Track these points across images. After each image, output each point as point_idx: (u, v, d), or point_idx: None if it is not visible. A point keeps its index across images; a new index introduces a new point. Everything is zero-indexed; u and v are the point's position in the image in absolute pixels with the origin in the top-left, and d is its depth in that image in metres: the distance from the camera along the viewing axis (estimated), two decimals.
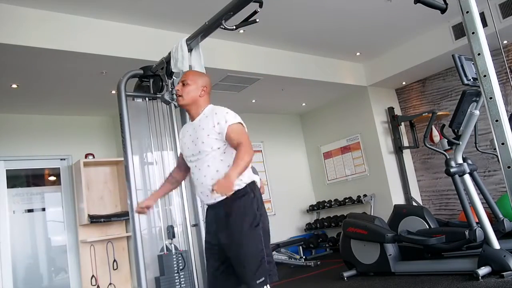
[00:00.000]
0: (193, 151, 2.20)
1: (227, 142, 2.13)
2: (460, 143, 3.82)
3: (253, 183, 2.18)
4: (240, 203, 2.10)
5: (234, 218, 2.09)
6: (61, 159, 5.81)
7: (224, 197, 2.05)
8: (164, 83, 3.22)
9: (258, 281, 2.01)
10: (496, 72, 1.58)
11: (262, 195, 2.27)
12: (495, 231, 3.64)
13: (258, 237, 2.08)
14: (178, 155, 2.47)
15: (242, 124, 2.18)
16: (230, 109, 2.23)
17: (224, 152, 2.15)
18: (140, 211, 2.37)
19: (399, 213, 4.71)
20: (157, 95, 3.32)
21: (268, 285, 2.05)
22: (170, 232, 3.20)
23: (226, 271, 2.15)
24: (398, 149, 6.85)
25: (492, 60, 1.60)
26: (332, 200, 7.38)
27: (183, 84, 2.24)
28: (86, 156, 5.71)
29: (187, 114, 3.29)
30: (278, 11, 4.58)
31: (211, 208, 2.21)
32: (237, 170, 1.95)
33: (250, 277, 2.01)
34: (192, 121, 2.28)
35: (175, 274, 3.10)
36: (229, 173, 1.93)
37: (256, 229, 2.09)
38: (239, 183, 2.09)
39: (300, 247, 6.55)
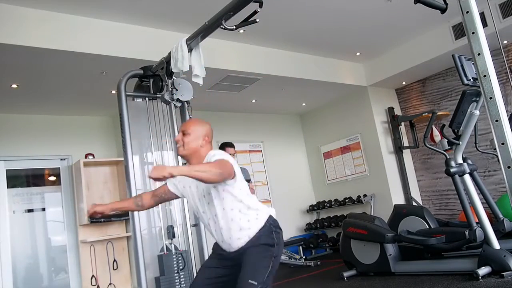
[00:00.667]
0: (199, 197, 2.11)
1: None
2: (460, 143, 3.82)
3: (270, 217, 2.10)
4: (262, 248, 2.03)
5: (251, 257, 2.02)
6: (61, 159, 5.81)
7: (246, 242, 2.02)
8: (164, 83, 3.23)
9: (250, 281, 1.95)
10: (496, 72, 1.58)
11: (254, 194, 2.22)
12: (495, 231, 3.64)
13: (268, 262, 2.02)
14: (161, 186, 2.29)
15: (227, 159, 2.02)
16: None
17: (235, 194, 2.04)
18: (92, 214, 2.22)
19: (399, 213, 4.71)
20: (157, 95, 3.32)
21: None
22: (170, 232, 3.20)
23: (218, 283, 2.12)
24: (398, 149, 6.85)
25: (492, 60, 1.60)
26: (332, 200, 7.38)
27: (183, 134, 2.13)
28: (86, 156, 5.71)
29: (187, 114, 3.32)
30: (278, 11, 4.58)
31: (226, 252, 2.13)
32: (188, 168, 1.87)
33: (245, 278, 1.97)
34: None
35: (175, 274, 3.10)
36: (175, 168, 1.86)
37: (268, 255, 2.04)
38: (256, 223, 2.04)
39: (300, 247, 6.55)
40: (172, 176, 1.78)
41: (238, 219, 2.03)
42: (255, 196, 2.19)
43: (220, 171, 1.89)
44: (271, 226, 2.08)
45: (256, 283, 1.93)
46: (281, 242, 2.13)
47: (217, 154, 2.06)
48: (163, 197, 2.30)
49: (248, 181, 4.36)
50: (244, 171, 3.75)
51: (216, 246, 2.20)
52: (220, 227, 2.05)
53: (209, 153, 2.12)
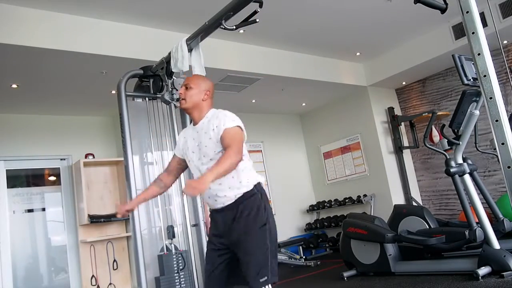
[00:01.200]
0: (198, 155, 2.19)
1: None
2: (460, 143, 3.82)
3: (259, 184, 2.19)
4: (248, 204, 2.11)
5: (241, 219, 2.10)
6: (61, 159, 5.81)
7: (232, 201, 2.10)
8: (164, 83, 3.22)
9: (261, 280, 2.02)
10: (496, 72, 1.58)
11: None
12: (495, 231, 3.64)
13: (265, 236, 2.09)
14: (171, 160, 2.40)
15: (240, 127, 2.16)
16: (231, 112, 2.23)
17: None
18: (124, 214, 2.31)
19: (399, 213, 4.71)
20: (157, 95, 3.32)
21: (269, 285, 2.05)
22: (170, 232, 3.20)
23: (225, 270, 2.16)
24: (398, 149, 6.85)
25: (492, 60, 1.60)
26: (332, 200, 7.38)
27: (186, 88, 2.24)
28: (86, 156, 5.71)
29: (187, 115, 3.32)
30: (278, 11, 4.58)
31: (217, 212, 2.19)
32: (214, 174, 1.92)
33: (254, 276, 2.03)
34: (194, 125, 2.27)
35: (175, 274, 3.10)
36: (205, 175, 1.91)
37: (262, 229, 2.10)
38: (247, 185, 2.13)
39: (300, 247, 6.55)
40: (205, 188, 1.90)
41: (231, 177, 2.10)
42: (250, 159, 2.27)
43: (239, 157, 2.03)
44: (258, 192, 2.16)
45: (266, 278, 2.01)
46: (269, 209, 2.19)
47: (228, 117, 2.16)
48: (179, 168, 2.37)
49: None
50: None
51: (210, 231, 2.26)
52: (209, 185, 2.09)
53: (217, 111, 2.23)
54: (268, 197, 7.01)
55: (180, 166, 2.36)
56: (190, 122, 3.23)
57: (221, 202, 2.14)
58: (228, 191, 2.11)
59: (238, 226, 2.10)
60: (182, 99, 2.24)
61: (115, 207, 2.33)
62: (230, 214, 2.13)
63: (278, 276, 2.14)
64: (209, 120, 2.20)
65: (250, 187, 2.14)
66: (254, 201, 2.13)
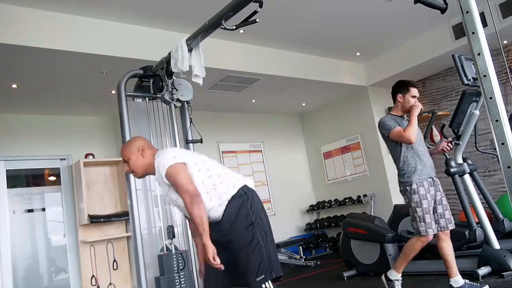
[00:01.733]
0: (168, 195, 2.27)
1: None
2: (460, 143, 3.82)
3: (245, 186, 2.21)
4: (231, 208, 2.14)
5: (226, 224, 2.12)
6: (61, 159, 5.81)
7: (221, 215, 2.14)
8: (164, 83, 3.22)
9: (258, 279, 2.04)
10: (496, 72, 1.57)
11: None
12: (495, 231, 3.64)
13: (252, 237, 2.10)
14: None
15: (176, 164, 2.11)
16: (168, 150, 2.28)
17: (196, 181, 2.14)
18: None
19: (399, 213, 4.70)
20: (157, 95, 3.32)
21: (268, 282, 2.07)
22: (170, 232, 3.19)
23: (224, 272, 2.16)
24: None
25: (492, 60, 1.60)
26: (332, 200, 7.38)
27: (125, 162, 2.30)
28: (86, 156, 5.71)
29: (187, 114, 3.32)
30: (278, 11, 4.58)
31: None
32: (204, 231, 2.00)
33: (250, 275, 2.05)
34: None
35: (175, 274, 3.10)
36: (204, 242, 2.01)
37: (249, 228, 2.11)
38: (232, 190, 2.16)
39: (300, 247, 6.55)
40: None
41: (208, 199, 2.13)
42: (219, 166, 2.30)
43: (191, 193, 2.04)
44: (241, 195, 2.16)
45: (263, 276, 2.04)
46: (256, 208, 2.18)
47: (159, 158, 2.17)
48: None
49: None
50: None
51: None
52: (188, 216, 2.15)
53: (155, 162, 2.21)
54: (268, 197, 6.97)
55: None
56: (191, 122, 3.25)
57: (213, 218, 2.17)
58: (217, 208, 2.15)
59: (223, 232, 2.12)
60: (131, 173, 2.31)
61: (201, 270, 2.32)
62: (216, 225, 2.15)
63: (281, 271, 2.15)
64: (157, 167, 2.20)
65: (234, 191, 2.16)
66: (236, 203, 2.15)
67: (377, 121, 6.89)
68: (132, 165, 2.27)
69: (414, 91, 3.32)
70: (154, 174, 2.26)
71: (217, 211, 2.15)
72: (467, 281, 3.08)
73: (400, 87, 3.37)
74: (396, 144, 3.26)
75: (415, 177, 3.12)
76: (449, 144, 3.57)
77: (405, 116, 3.39)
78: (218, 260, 2.02)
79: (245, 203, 2.16)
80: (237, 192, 2.17)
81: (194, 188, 2.07)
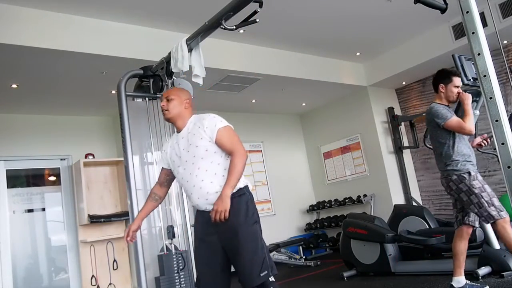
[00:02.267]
0: (186, 158, 2.25)
1: (218, 146, 2.22)
2: None
3: (246, 187, 2.27)
4: (239, 204, 2.17)
5: (237, 217, 2.14)
6: (61, 159, 5.82)
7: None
8: (164, 83, 3.22)
9: (262, 274, 2.10)
10: (496, 72, 1.57)
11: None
12: (495, 231, 3.64)
13: (257, 233, 2.19)
14: (160, 172, 2.48)
15: (230, 126, 2.28)
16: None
17: (221, 156, 2.23)
18: (132, 238, 2.41)
19: (399, 213, 4.71)
20: (157, 95, 3.32)
21: (272, 277, 2.14)
22: (170, 232, 3.20)
23: (220, 266, 2.21)
24: (398, 149, 6.85)
25: (492, 60, 1.60)
26: (332, 200, 7.38)
27: (167, 100, 2.36)
28: (86, 156, 5.71)
29: None
30: (278, 11, 4.58)
31: (204, 212, 2.23)
32: (231, 184, 2.11)
33: (255, 272, 2.09)
34: (178, 132, 2.37)
35: (175, 274, 3.10)
36: (224, 191, 2.08)
37: (254, 225, 2.19)
38: (237, 186, 2.19)
39: (300, 247, 6.54)
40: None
41: (221, 175, 2.20)
42: None
43: (246, 155, 2.22)
44: (247, 193, 2.25)
45: (266, 272, 2.11)
46: (256, 209, 2.28)
47: (217, 118, 2.28)
48: (169, 179, 2.46)
49: None
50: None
51: (198, 225, 2.30)
52: (193, 184, 2.20)
53: (201, 115, 2.32)
54: (268, 197, 7.00)
55: (169, 177, 2.45)
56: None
57: (207, 202, 2.18)
58: (220, 189, 2.15)
59: (229, 226, 2.13)
60: (165, 110, 2.36)
61: (125, 237, 2.41)
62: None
63: (277, 274, 2.21)
64: (194, 124, 2.31)
65: (240, 186, 2.20)
66: (244, 200, 2.20)
67: (377, 121, 6.96)
68: (172, 105, 2.34)
69: (456, 81, 3.21)
70: (177, 124, 2.35)
71: (215, 198, 2.15)
72: (468, 282, 3.07)
73: (442, 77, 3.25)
74: (447, 134, 3.15)
75: (470, 165, 3.06)
76: (487, 140, 3.44)
77: (449, 106, 3.27)
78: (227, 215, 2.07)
79: (250, 201, 2.23)
80: (244, 187, 2.24)
81: (246, 154, 2.23)
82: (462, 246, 3.06)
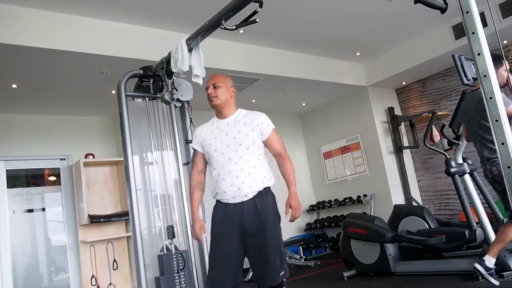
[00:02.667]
0: (229, 144, 2.30)
1: (265, 145, 2.37)
2: (460, 143, 3.82)
3: (271, 186, 2.38)
4: (269, 201, 2.27)
5: (266, 214, 2.23)
6: (61, 159, 5.82)
7: (256, 193, 2.26)
8: (164, 83, 3.22)
9: (281, 274, 2.16)
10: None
11: None
12: (495, 231, 3.64)
13: (281, 233, 2.27)
14: (195, 158, 2.47)
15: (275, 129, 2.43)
16: None
17: (260, 154, 2.36)
18: (203, 236, 2.39)
19: (399, 213, 4.70)
20: (157, 95, 3.32)
21: (285, 279, 2.20)
22: (170, 232, 3.19)
23: (237, 264, 2.23)
24: (398, 149, 6.85)
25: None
26: (332, 200, 7.38)
27: (215, 87, 2.41)
28: (86, 156, 5.71)
29: (187, 114, 3.32)
30: (278, 11, 4.58)
31: (235, 204, 2.25)
32: (294, 185, 2.29)
33: (276, 270, 2.15)
34: (222, 119, 2.42)
35: (175, 274, 3.10)
36: (294, 193, 2.25)
37: (279, 226, 2.28)
38: (268, 181, 2.32)
39: (300, 247, 6.55)
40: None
41: (258, 171, 2.30)
42: None
43: (287, 154, 2.44)
44: (272, 192, 2.38)
45: (284, 272, 2.19)
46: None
47: (268, 118, 2.48)
48: (205, 163, 2.48)
49: None
50: None
51: (218, 219, 2.29)
52: (237, 174, 2.25)
53: (260, 114, 2.50)
54: None
55: (205, 162, 2.47)
56: (191, 122, 3.25)
57: (244, 193, 2.23)
58: (254, 182, 2.25)
59: (260, 221, 2.20)
60: (213, 97, 2.40)
61: (194, 237, 2.39)
62: (253, 208, 2.23)
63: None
64: (245, 115, 2.45)
65: (269, 183, 2.32)
66: (272, 199, 2.30)
67: (377, 121, 6.95)
68: (220, 92, 2.40)
69: (506, 65, 3.13)
70: (224, 111, 2.42)
71: (256, 186, 2.25)
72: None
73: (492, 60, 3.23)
74: None
75: None
76: None
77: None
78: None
79: (275, 200, 2.32)
80: (271, 186, 2.34)
81: None
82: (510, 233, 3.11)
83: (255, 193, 2.25)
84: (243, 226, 2.21)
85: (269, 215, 2.23)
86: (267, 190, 2.30)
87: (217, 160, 2.31)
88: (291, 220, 2.17)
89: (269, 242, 2.17)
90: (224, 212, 2.26)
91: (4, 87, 4.65)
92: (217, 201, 2.34)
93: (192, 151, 2.59)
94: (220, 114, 2.45)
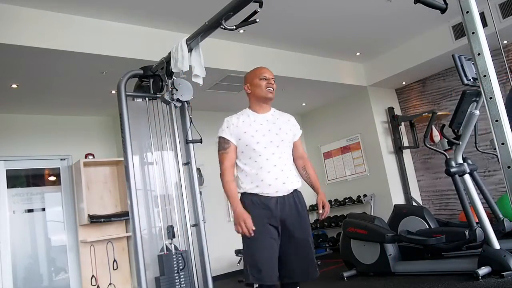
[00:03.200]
0: (271, 139, 2.39)
1: (293, 145, 2.51)
2: (460, 143, 3.82)
3: None
4: (303, 199, 2.42)
5: (304, 210, 2.40)
6: (61, 159, 5.82)
7: (294, 189, 2.39)
8: (164, 83, 3.22)
9: (317, 269, 2.41)
10: (496, 72, 1.57)
11: None
12: (495, 231, 3.64)
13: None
14: (228, 149, 2.43)
15: None
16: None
17: (290, 153, 2.50)
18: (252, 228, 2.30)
19: (399, 213, 4.70)
20: (157, 95, 3.31)
21: None
22: (170, 232, 3.19)
23: (276, 257, 2.30)
24: (398, 149, 6.85)
25: (492, 60, 1.60)
26: (332, 200, 7.38)
27: (274, 81, 2.59)
28: (86, 156, 5.72)
29: (187, 114, 3.31)
30: (278, 11, 4.58)
31: (277, 198, 2.32)
32: (319, 185, 2.59)
33: (315, 265, 2.38)
34: (261, 113, 2.53)
35: (175, 274, 3.10)
36: (321, 192, 2.51)
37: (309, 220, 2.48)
38: (298, 182, 2.44)
39: None
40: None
41: (295, 170, 2.51)
42: None
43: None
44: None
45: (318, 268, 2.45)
46: None
47: (299, 127, 2.67)
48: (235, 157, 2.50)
49: None
50: None
51: (259, 214, 2.28)
52: (282, 168, 2.35)
53: (292, 117, 2.69)
54: None
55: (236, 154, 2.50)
56: (191, 122, 3.25)
57: (287, 188, 2.34)
58: (295, 179, 2.40)
59: (300, 215, 2.35)
60: (273, 90, 2.58)
61: (242, 230, 2.22)
62: (293, 203, 2.34)
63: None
64: (280, 114, 2.62)
65: (299, 185, 2.43)
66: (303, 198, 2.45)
67: (377, 121, 6.95)
68: (275, 87, 2.59)
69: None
70: (266, 106, 2.60)
71: (296, 182, 2.41)
72: None
73: None
74: None
75: None
76: None
77: None
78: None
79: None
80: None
81: None
82: None
83: (295, 189, 2.39)
84: (282, 221, 2.29)
85: (306, 212, 2.40)
86: (298, 190, 2.45)
87: (260, 153, 2.33)
88: (324, 218, 2.36)
89: (309, 238, 2.33)
90: (263, 206, 2.28)
91: (4, 87, 4.65)
92: (252, 194, 2.31)
93: (218, 141, 2.55)
94: (261, 108, 2.54)
